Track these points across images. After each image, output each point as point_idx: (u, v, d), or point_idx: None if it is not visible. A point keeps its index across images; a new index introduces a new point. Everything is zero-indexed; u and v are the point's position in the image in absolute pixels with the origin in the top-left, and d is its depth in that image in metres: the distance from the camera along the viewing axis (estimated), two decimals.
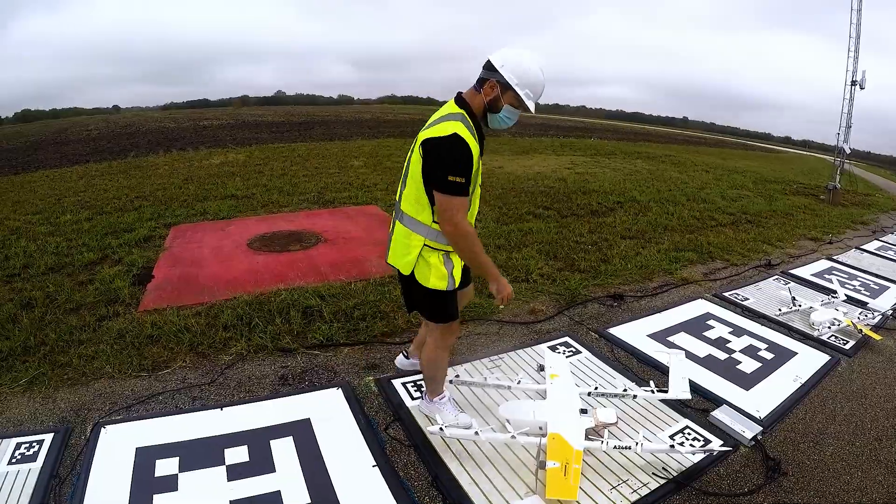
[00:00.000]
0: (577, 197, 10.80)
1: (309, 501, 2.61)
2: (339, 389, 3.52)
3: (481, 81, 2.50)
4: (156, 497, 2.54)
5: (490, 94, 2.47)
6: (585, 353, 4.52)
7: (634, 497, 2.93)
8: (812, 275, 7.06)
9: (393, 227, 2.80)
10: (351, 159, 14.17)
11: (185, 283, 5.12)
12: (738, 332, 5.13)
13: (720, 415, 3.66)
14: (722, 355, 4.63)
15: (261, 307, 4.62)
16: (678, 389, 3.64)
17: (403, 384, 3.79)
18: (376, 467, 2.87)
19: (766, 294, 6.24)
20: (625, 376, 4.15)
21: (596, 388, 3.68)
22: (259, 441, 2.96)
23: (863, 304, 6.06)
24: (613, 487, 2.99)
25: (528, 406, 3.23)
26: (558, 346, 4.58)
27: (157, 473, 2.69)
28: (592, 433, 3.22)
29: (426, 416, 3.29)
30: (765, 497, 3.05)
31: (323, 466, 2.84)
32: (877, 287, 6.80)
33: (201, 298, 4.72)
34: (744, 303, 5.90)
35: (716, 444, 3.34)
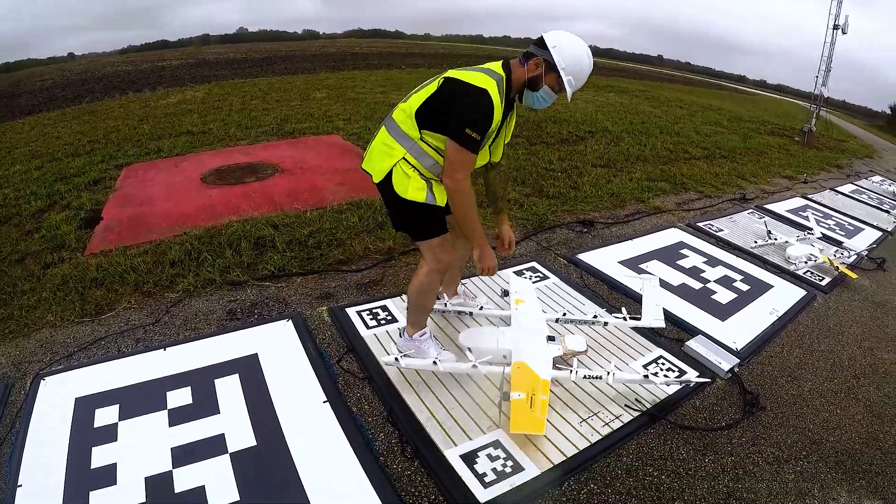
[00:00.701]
0: (547, 125, 10.49)
1: (254, 443, 2.47)
2: (290, 321, 3.36)
3: (528, 55, 2.48)
4: (94, 450, 2.39)
5: (534, 70, 2.47)
6: (553, 278, 4.30)
7: (606, 430, 2.76)
8: (787, 211, 7.02)
9: (377, 131, 2.64)
10: (314, 91, 13.64)
11: (135, 222, 4.98)
12: (712, 262, 5.01)
13: (695, 345, 3.49)
14: (696, 284, 4.49)
15: (211, 241, 4.38)
16: (651, 317, 3.45)
17: (358, 313, 3.53)
18: (327, 403, 2.73)
19: (741, 226, 6.15)
20: (595, 303, 3.96)
21: (564, 315, 3.46)
22: (203, 381, 2.82)
23: (838, 244, 6.02)
24: (584, 420, 2.81)
25: (491, 333, 3.02)
26: (524, 272, 4.36)
27: (97, 424, 2.54)
28: (561, 362, 3.03)
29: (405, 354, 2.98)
30: (743, 432, 2.92)
31: (270, 404, 2.71)
32: (852, 228, 6.81)
33: (150, 237, 4.58)
34: (718, 234, 5.79)
35: (691, 375, 3.18)
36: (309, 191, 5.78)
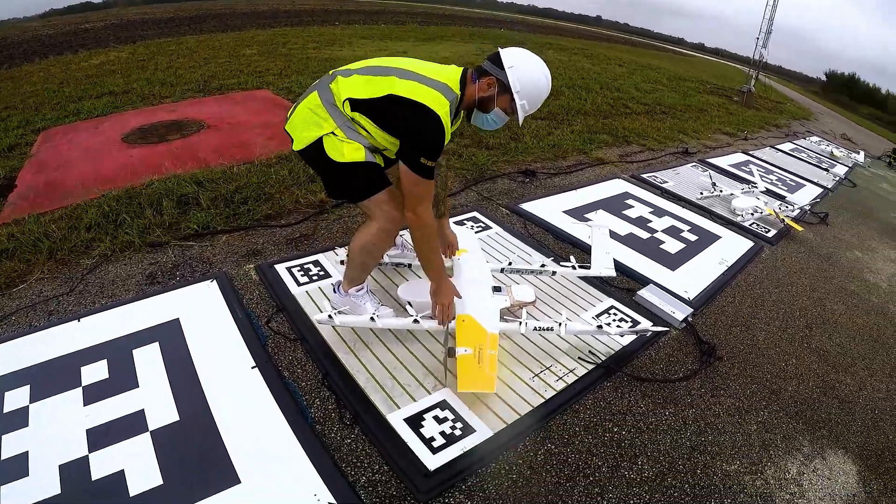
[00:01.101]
0: None
1: (177, 418, 2.21)
2: (214, 281, 3.08)
3: (481, 72, 2.33)
4: (4, 438, 2.10)
5: (486, 90, 2.32)
6: (496, 228, 4.08)
7: (560, 385, 2.57)
8: (730, 165, 7.08)
9: (308, 93, 2.40)
10: (243, 49, 12.92)
11: (50, 188, 4.65)
12: (658, 212, 4.92)
13: (647, 294, 3.36)
14: (644, 234, 4.38)
15: (130, 202, 3.99)
16: (602, 265, 3.28)
17: (288, 269, 3.22)
18: (256, 368, 2.48)
19: (686, 179, 6.13)
20: (541, 253, 3.75)
21: (510, 264, 3.23)
22: (120, 352, 2.54)
23: (781, 198, 6.09)
24: (536, 375, 2.62)
25: (424, 283, 2.74)
26: (465, 222, 4.11)
27: (6, 408, 2.24)
28: (508, 314, 2.82)
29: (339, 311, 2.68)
30: (702, 383, 2.81)
31: (193, 374, 2.44)
32: (793, 184, 6.93)
33: (66, 202, 4.22)
34: (663, 185, 5.73)
35: (646, 325, 3.01)
36: (237, 146, 5.57)
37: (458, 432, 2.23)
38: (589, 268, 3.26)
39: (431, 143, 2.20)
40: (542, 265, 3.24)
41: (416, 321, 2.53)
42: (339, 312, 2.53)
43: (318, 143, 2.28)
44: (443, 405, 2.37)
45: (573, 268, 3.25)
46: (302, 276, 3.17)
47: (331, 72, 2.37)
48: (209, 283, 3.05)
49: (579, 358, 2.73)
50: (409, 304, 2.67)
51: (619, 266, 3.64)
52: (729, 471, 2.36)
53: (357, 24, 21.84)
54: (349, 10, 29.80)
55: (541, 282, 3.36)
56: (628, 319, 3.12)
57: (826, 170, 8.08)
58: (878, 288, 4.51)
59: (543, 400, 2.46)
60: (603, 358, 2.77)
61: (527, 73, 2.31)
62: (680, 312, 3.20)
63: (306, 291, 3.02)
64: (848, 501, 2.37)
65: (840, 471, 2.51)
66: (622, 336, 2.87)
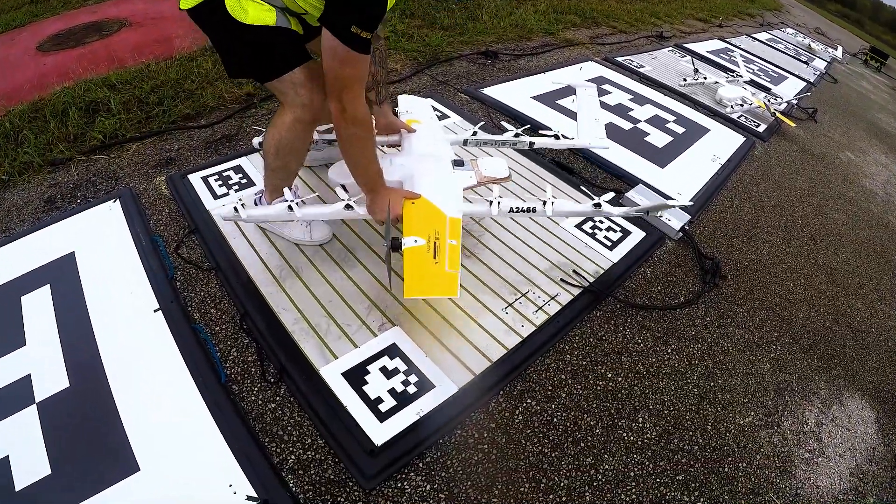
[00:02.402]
0: None
1: (67, 385, 1.71)
2: (117, 201, 2.47)
3: None
4: None
5: None
6: (455, 117, 3.38)
7: (541, 318, 2.03)
8: (708, 52, 6.46)
9: None
10: None
11: None
12: (639, 100, 4.30)
13: (637, 197, 2.81)
14: (626, 125, 3.77)
15: (35, 115, 3.27)
16: (590, 134, 2.62)
17: (204, 179, 2.55)
18: (159, 311, 1.94)
19: (664, 64, 5.49)
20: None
21: (475, 135, 2.53)
22: (8, 301, 2.01)
23: (766, 90, 5.53)
24: (510, 305, 2.06)
25: None
26: None
27: None
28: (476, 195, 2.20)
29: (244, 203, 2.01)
30: (706, 310, 2.34)
31: (87, 324, 1.90)
32: (776, 75, 6.38)
33: None
34: (640, 70, 5.06)
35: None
36: (159, 42, 4.98)
37: (412, 389, 1.70)
38: (573, 138, 2.60)
39: (371, 4, 1.57)
40: (517, 134, 2.55)
41: (348, 206, 1.91)
42: (244, 205, 1.88)
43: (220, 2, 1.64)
44: (392, 351, 1.81)
45: (556, 137, 2.59)
46: (220, 185, 2.50)
47: None
48: (111, 205, 2.42)
49: (562, 280, 2.16)
50: (343, 187, 2.00)
51: (600, 161, 3.07)
52: (743, 425, 1.93)
53: None
54: None
55: (511, 181, 2.74)
56: (617, 228, 2.55)
57: (806, 63, 7.58)
58: (876, 196, 4.12)
59: (521, 339, 1.92)
60: (591, 279, 2.21)
61: None
62: (676, 220, 2.67)
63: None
64: (868, 456, 2.04)
65: (859, 419, 2.16)
66: (628, 217, 2.27)
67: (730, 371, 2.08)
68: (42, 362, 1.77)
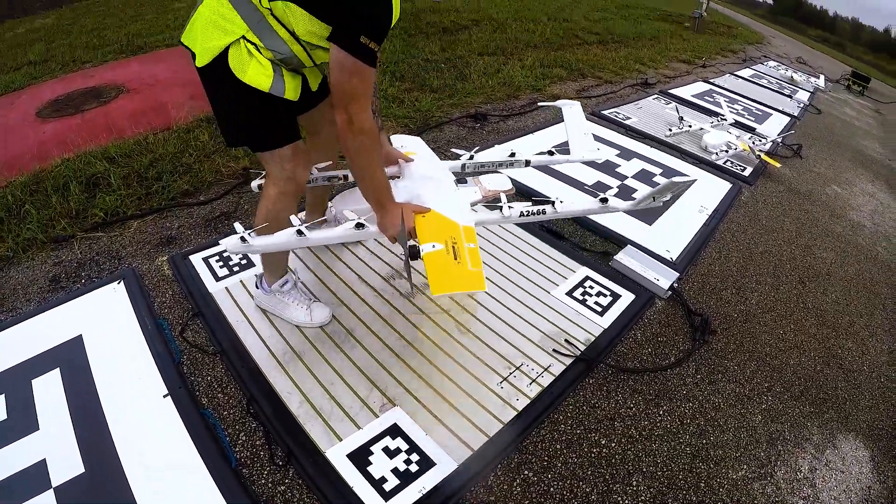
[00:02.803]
0: (425, 16, 9.48)
1: (82, 470, 1.77)
2: (121, 282, 2.56)
3: None
4: None
5: None
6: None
7: (535, 390, 2.15)
8: (693, 96, 6.69)
9: None
10: (172, 2, 11.76)
11: None
12: (626, 154, 4.48)
13: (625, 259, 2.95)
14: (614, 182, 3.93)
15: (37, 188, 3.39)
16: (584, 148, 2.71)
17: (205, 259, 2.67)
18: (168, 397, 2.02)
19: (649, 113, 5.70)
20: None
21: (472, 158, 2.57)
22: (19, 384, 2.08)
23: (750, 130, 5.73)
24: (504, 379, 2.18)
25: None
26: None
27: None
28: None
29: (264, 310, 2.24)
30: (697, 367, 2.45)
31: (98, 408, 1.97)
32: (760, 113, 6.60)
33: None
34: (626, 122, 5.27)
35: (626, 298, 2.62)
36: (156, 110, 5.07)
37: (414, 467, 1.80)
38: (569, 154, 2.70)
39: (378, 15, 1.66)
40: (512, 153, 2.63)
41: (359, 225, 1.94)
42: (252, 233, 1.92)
43: (224, 55, 1.71)
44: (394, 431, 1.92)
45: (550, 154, 2.69)
46: (221, 267, 2.63)
47: None
48: (115, 286, 2.52)
49: (554, 350, 2.30)
50: (352, 212, 2.04)
51: (589, 224, 3.24)
52: (736, 479, 2.02)
53: None
54: None
55: (502, 251, 2.90)
56: (607, 292, 2.69)
57: (790, 96, 7.81)
58: (863, 228, 4.26)
59: (516, 413, 2.04)
60: (582, 347, 2.34)
61: None
62: (665, 279, 2.81)
63: (226, 288, 2.49)
64: (864, 496, 2.12)
65: (853, 459, 2.24)
66: (638, 206, 2.29)
67: (721, 427, 2.19)
68: (56, 447, 1.84)
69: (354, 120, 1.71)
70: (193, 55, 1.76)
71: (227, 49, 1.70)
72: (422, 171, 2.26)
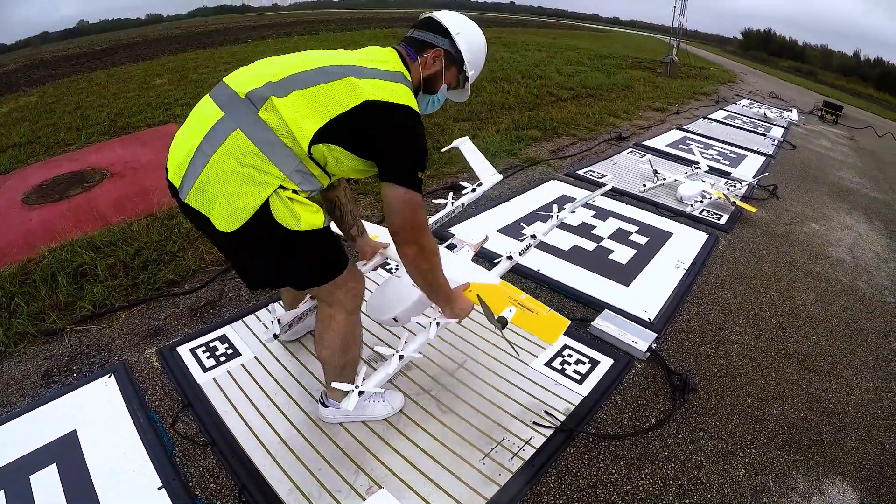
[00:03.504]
0: None
1: None
2: (112, 376, 2.67)
3: (420, 46, 1.95)
4: None
5: (432, 67, 1.96)
6: None
7: (517, 464, 2.24)
8: (667, 146, 6.97)
9: (218, 136, 1.67)
10: (154, 79, 12.40)
11: None
12: (602, 214, 4.67)
13: (603, 324, 3.07)
14: (590, 245, 4.10)
15: (26, 280, 3.54)
16: (489, 176, 3.25)
17: (192, 351, 2.80)
18: (163, 490, 2.10)
19: (624, 168, 5.94)
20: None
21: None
22: (17, 481, 2.16)
23: (726, 174, 5.96)
24: (486, 455, 2.27)
25: (396, 282, 2.36)
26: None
27: None
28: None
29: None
30: (678, 427, 2.54)
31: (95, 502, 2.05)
32: (734, 156, 6.86)
33: None
34: (601, 180, 5.48)
35: (606, 364, 2.72)
36: (139, 195, 5.26)
37: None
38: (482, 184, 3.22)
39: (425, 150, 1.81)
40: (452, 201, 3.19)
41: (437, 323, 2.22)
42: (363, 381, 2.13)
43: (265, 208, 1.63)
44: None
45: (472, 191, 3.20)
46: (208, 357, 2.75)
47: (238, 91, 1.68)
48: (106, 380, 2.63)
49: (534, 422, 2.41)
50: (395, 319, 2.28)
51: (565, 290, 3.40)
52: None
53: (269, 38, 21.38)
54: (262, 25, 29.69)
55: (479, 325, 3.03)
56: (586, 360, 2.81)
57: (763, 134, 8.11)
58: (843, 264, 4.40)
59: (499, 487, 2.12)
60: (562, 417, 2.45)
61: (474, 37, 2.02)
62: (643, 341, 2.93)
63: (213, 379, 2.61)
64: None
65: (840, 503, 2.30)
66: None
67: (704, 484, 2.27)
68: None
69: (426, 246, 1.85)
70: (207, 220, 1.66)
71: (265, 205, 1.62)
72: None
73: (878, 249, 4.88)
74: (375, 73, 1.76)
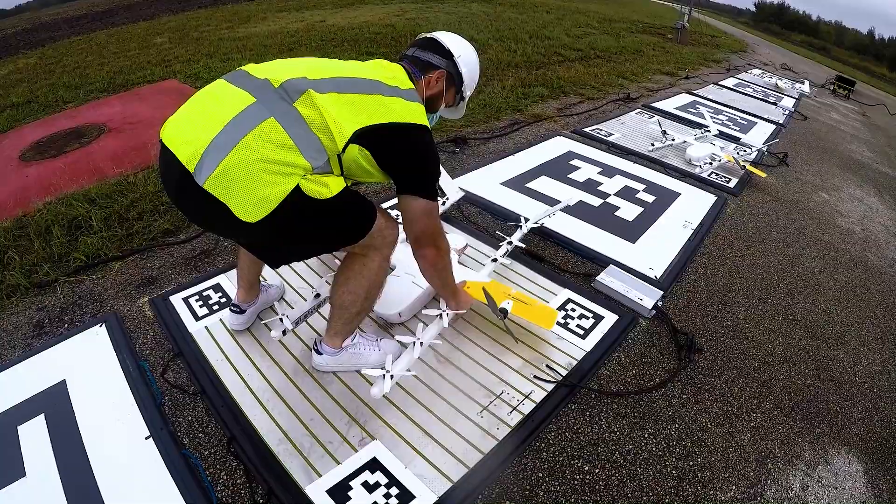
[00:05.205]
0: (406, 40, 9.61)
1: None
2: (103, 326, 2.60)
3: (425, 66, 2.04)
4: None
5: (434, 87, 2.06)
6: None
7: (516, 418, 2.14)
8: (676, 108, 6.77)
9: (245, 122, 1.62)
10: (154, 38, 12.13)
11: None
12: (608, 171, 4.52)
13: (608, 279, 2.96)
14: (596, 201, 3.96)
15: (21, 233, 3.46)
16: (453, 190, 3.56)
17: (185, 300, 2.70)
18: (150, 439, 2.04)
19: (632, 128, 5.75)
20: (480, 240, 3.30)
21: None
22: (5, 432, 2.11)
23: (735, 140, 5.80)
24: (485, 409, 2.18)
25: (397, 283, 2.60)
26: (393, 209, 3.55)
27: None
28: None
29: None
30: (682, 387, 2.44)
31: (83, 453, 2.00)
32: (745, 122, 6.69)
33: None
34: (608, 138, 5.34)
35: (610, 319, 2.61)
36: (137, 149, 5.18)
37: (393, 501, 1.81)
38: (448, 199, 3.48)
39: (438, 161, 2.01)
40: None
41: (441, 315, 2.37)
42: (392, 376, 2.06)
43: (297, 191, 1.61)
44: (373, 464, 1.92)
45: (443, 203, 3.44)
46: (200, 306, 2.65)
47: (272, 79, 1.68)
48: (97, 330, 2.54)
49: (535, 377, 2.30)
50: (399, 315, 2.50)
51: (570, 244, 3.28)
52: (724, 501, 2.01)
53: None
54: None
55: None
56: (590, 315, 2.70)
57: (774, 104, 7.91)
58: (853, 234, 4.28)
59: (497, 442, 2.03)
60: (564, 372, 2.34)
61: (470, 58, 2.14)
62: (648, 298, 2.81)
63: (206, 327, 2.51)
64: None
65: (846, 474, 2.23)
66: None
67: (709, 447, 2.18)
68: (43, 493, 1.85)
69: (441, 246, 2.03)
70: (227, 210, 1.58)
71: (296, 189, 1.60)
72: (407, 263, 2.52)
73: (888, 224, 4.77)
74: (397, 92, 1.83)
